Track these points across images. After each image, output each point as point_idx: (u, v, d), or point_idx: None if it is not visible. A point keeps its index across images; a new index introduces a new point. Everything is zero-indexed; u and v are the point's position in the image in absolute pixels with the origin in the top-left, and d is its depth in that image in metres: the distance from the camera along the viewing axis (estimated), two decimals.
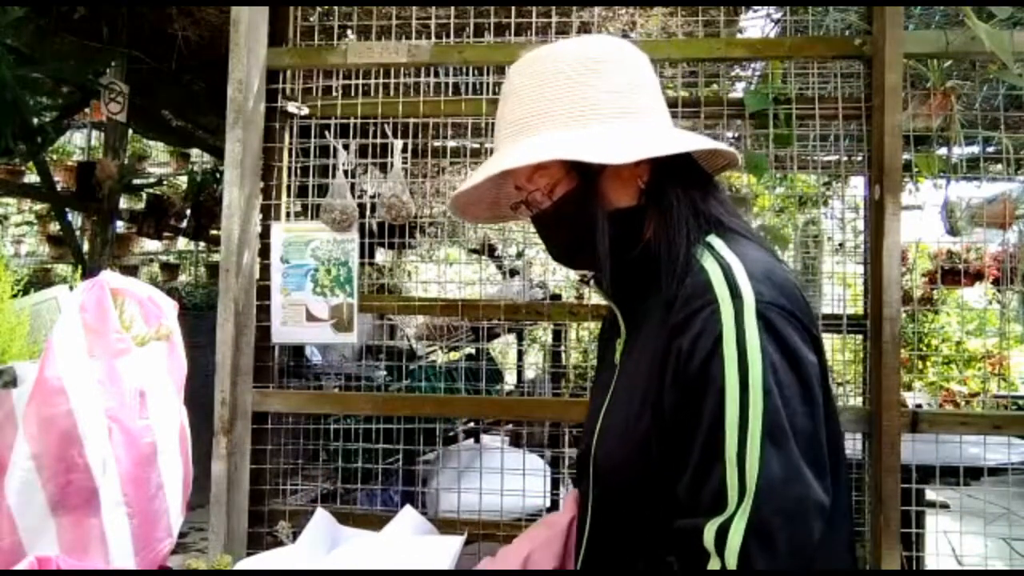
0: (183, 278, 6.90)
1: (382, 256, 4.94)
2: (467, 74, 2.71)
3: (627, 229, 0.95)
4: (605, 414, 0.97)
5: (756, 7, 3.33)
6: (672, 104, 2.17)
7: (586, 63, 0.92)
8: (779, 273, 0.86)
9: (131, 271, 5.68)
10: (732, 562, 0.75)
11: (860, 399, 2.84)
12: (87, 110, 4.60)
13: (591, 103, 0.91)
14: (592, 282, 1.05)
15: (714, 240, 0.91)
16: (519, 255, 5.71)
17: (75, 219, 5.01)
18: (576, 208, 0.94)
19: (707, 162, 1.02)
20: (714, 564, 0.76)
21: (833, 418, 0.88)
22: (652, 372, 0.87)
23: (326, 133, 2.23)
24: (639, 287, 0.96)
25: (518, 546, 1.10)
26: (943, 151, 2.30)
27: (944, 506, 2.64)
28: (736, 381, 0.77)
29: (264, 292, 2.14)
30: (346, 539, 1.10)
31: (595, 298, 2.44)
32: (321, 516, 1.09)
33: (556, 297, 4.49)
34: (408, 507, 1.12)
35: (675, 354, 0.83)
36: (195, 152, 6.33)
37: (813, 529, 0.76)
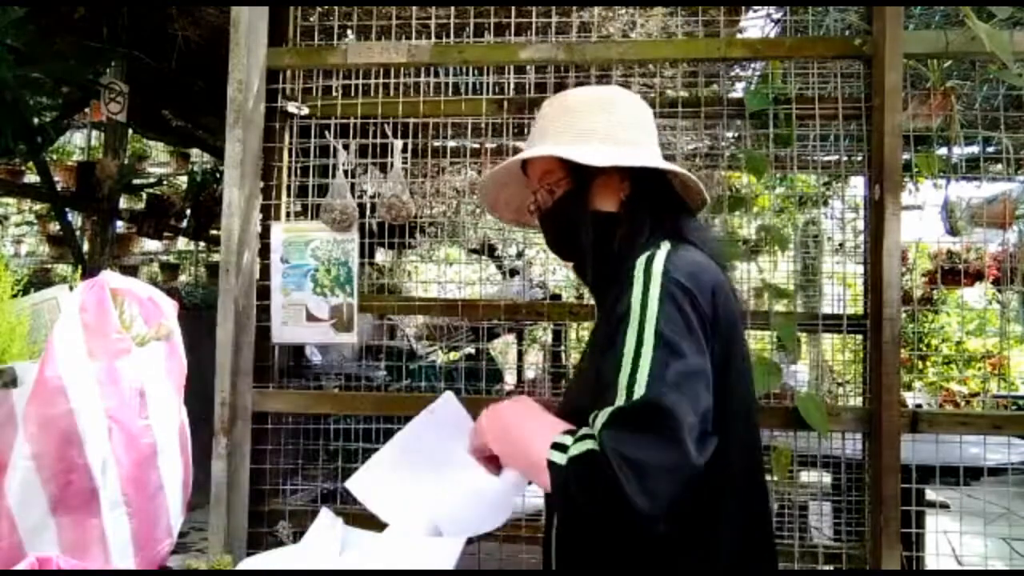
0: (183, 278, 6.90)
1: (382, 256, 4.94)
2: (467, 74, 2.71)
3: (605, 228, 1.17)
4: (572, 378, 1.20)
5: (756, 7, 3.33)
6: (672, 104, 2.19)
7: (600, 101, 1.21)
8: (701, 269, 1.07)
9: (131, 271, 5.68)
10: (598, 428, 0.96)
11: (860, 399, 2.83)
12: (87, 110, 4.60)
13: (593, 127, 1.18)
14: (575, 270, 1.31)
15: (664, 243, 1.10)
16: (519, 255, 5.71)
17: (75, 219, 5.01)
18: (569, 206, 1.19)
19: (686, 195, 1.24)
20: (592, 444, 0.96)
21: (742, 385, 1.11)
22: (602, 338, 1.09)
23: (326, 133, 2.23)
24: (608, 279, 1.14)
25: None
26: (943, 151, 2.30)
27: (944, 506, 2.64)
28: (638, 321, 1.00)
29: (264, 292, 2.14)
30: (350, 539, 1.10)
31: None
32: (325, 516, 1.09)
33: (556, 297, 4.49)
34: (449, 393, 1.17)
35: (611, 312, 1.07)
36: (195, 152, 6.33)
37: (662, 444, 0.93)
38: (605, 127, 1.18)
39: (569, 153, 1.13)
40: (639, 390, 0.94)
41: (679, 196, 1.23)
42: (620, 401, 0.95)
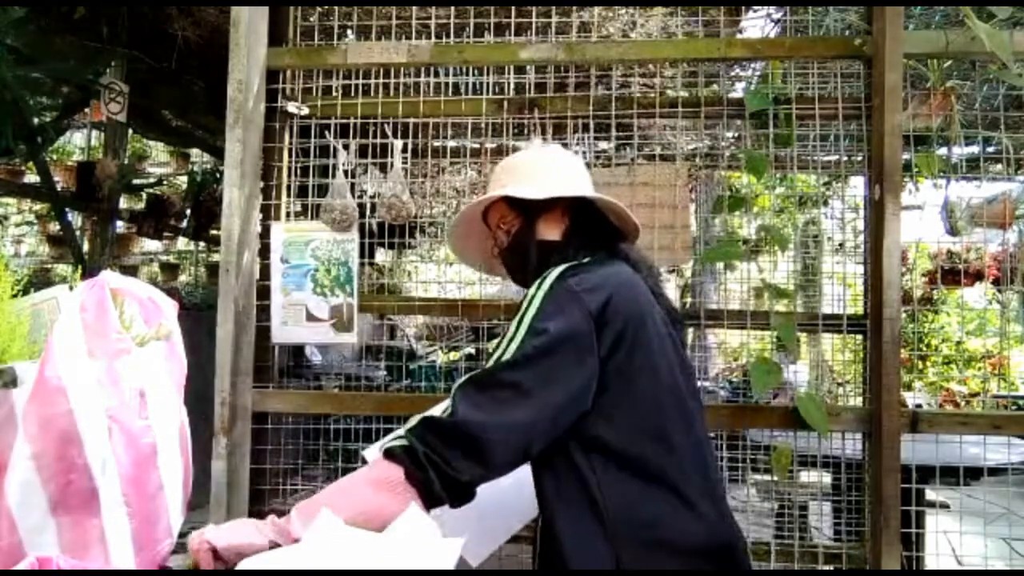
0: (183, 278, 6.90)
1: (382, 256, 4.94)
2: (467, 74, 2.71)
3: (548, 254, 1.33)
4: None
5: (756, 7, 3.33)
6: (672, 104, 2.19)
7: (541, 155, 1.47)
8: (602, 280, 1.22)
9: (131, 271, 5.68)
10: (450, 398, 1.14)
11: (860, 399, 2.84)
12: (87, 110, 4.60)
13: (532, 173, 1.40)
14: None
15: (585, 259, 1.28)
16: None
17: (75, 219, 5.00)
18: (521, 238, 1.39)
19: (622, 224, 1.42)
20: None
21: (649, 378, 1.23)
22: None
23: (326, 133, 2.23)
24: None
25: None
26: (943, 151, 2.30)
27: (944, 506, 2.64)
28: (522, 314, 1.19)
29: (264, 292, 2.14)
30: (350, 539, 1.10)
31: None
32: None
33: None
34: (413, 505, 1.13)
35: None
36: (195, 152, 6.33)
37: (507, 396, 1.12)
38: (544, 171, 1.40)
39: (515, 192, 1.36)
40: (505, 358, 1.14)
41: (614, 225, 1.43)
42: (484, 368, 1.16)
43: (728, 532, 1.25)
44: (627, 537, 1.16)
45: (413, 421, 1.14)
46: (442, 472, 1.09)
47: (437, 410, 1.16)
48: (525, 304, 1.21)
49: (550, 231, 1.38)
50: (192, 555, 1.08)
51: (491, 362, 1.17)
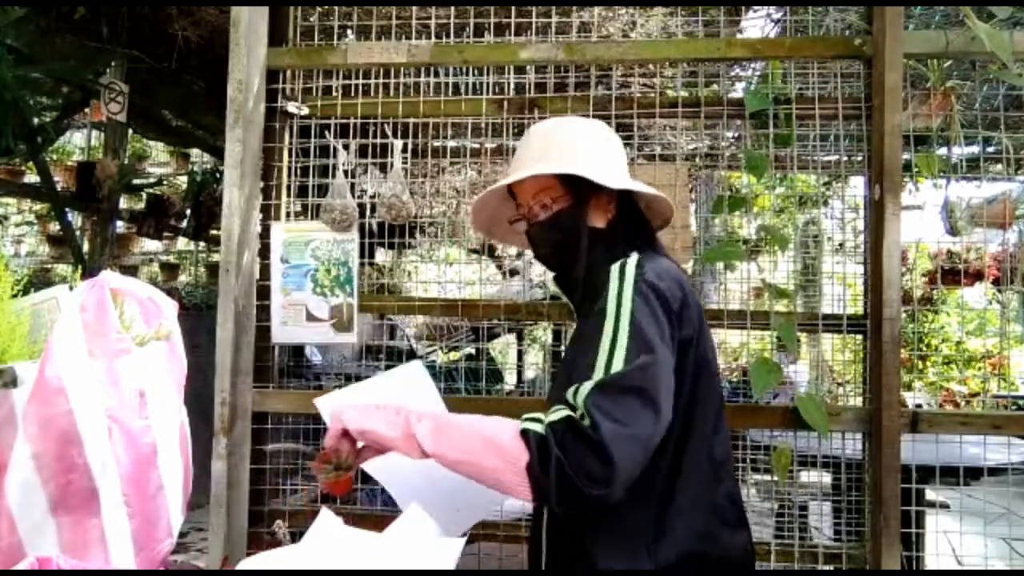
0: (183, 278, 6.90)
1: (382, 256, 4.94)
2: (467, 74, 2.71)
3: (593, 242, 1.30)
4: (556, 374, 1.28)
5: (756, 7, 3.33)
6: (672, 104, 2.19)
7: (593, 130, 1.37)
8: (669, 272, 1.23)
9: (131, 271, 5.69)
10: (580, 405, 1.09)
11: (860, 399, 2.83)
12: (87, 110, 4.60)
13: (591, 151, 1.32)
14: (554, 280, 1.43)
15: (633, 254, 1.25)
16: (519, 255, 5.71)
17: (75, 219, 5.01)
18: (567, 221, 1.31)
19: (649, 215, 1.40)
20: (568, 411, 1.10)
21: (712, 371, 1.26)
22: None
23: (326, 133, 2.23)
24: (590, 286, 1.28)
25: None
26: (943, 151, 2.30)
27: (944, 506, 2.64)
28: (614, 316, 1.15)
29: (264, 292, 2.14)
30: (350, 539, 1.10)
31: None
32: (325, 516, 1.09)
33: (556, 297, 4.48)
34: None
35: (591, 312, 1.22)
36: (195, 152, 6.33)
37: (637, 407, 1.09)
38: (603, 153, 1.33)
39: (591, 174, 1.26)
40: (616, 368, 1.09)
41: (643, 215, 1.42)
42: (599, 377, 1.10)
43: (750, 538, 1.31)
44: (676, 549, 1.17)
45: (557, 416, 1.09)
46: (568, 486, 1.04)
47: (556, 414, 1.11)
48: (612, 302, 1.16)
49: (596, 218, 1.33)
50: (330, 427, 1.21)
51: (600, 368, 1.11)
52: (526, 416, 1.12)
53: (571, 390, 1.11)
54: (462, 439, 1.12)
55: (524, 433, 1.09)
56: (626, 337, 1.12)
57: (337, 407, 1.23)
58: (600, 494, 1.04)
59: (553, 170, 1.28)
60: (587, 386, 1.09)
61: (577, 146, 1.32)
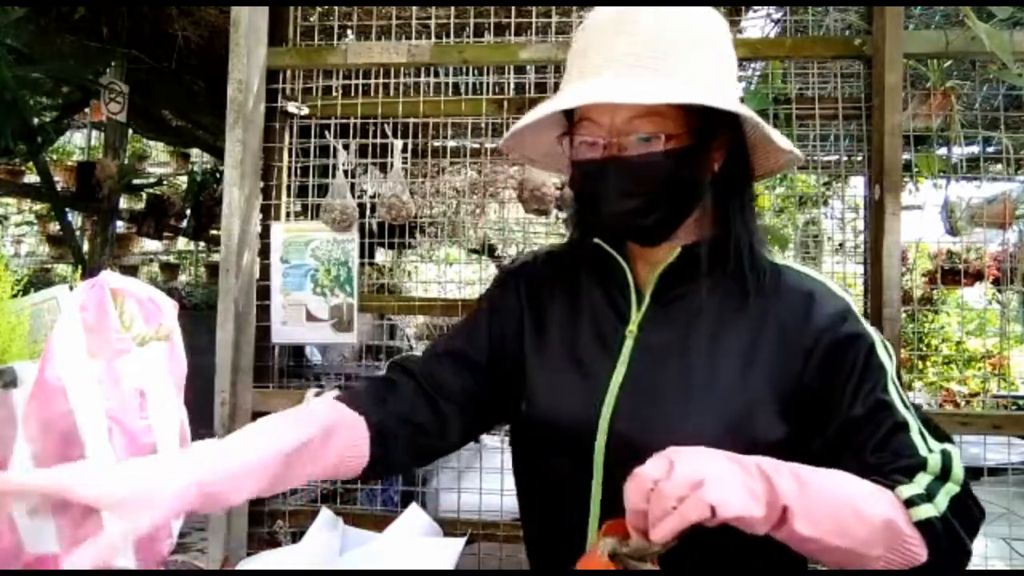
0: (183, 278, 6.91)
1: (382, 256, 4.94)
2: (467, 74, 2.71)
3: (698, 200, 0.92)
4: (661, 390, 0.90)
5: (756, 7, 3.33)
6: None
7: (727, 38, 0.92)
8: None
9: (131, 271, 5.69)
10: (954, 477, 0.80)
11: None
12: (87, 110, 4.60)
13: (728, 74, 0.91)
14: (601, 239, 0.98)
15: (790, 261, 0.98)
16: (519, 255, 5.71)
17: (75, 219, 5.01)
18: (682, 167, 0.88)
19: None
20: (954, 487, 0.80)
21: None
22: (761, 357, 0.89)
23: (326, 133, 2.23)
24: (685, 266, 0.93)
25: None
26: (943, 151, 2.30)
27: None
28: (885, 368, 0.87)
29: (264, 292, 2.14)
30: (350, 540, 1.10)
31: None
32: (325, 516, 1.09)
33: None
34: (413, 505, 1.12)
35: (825, 348, 0.88)
36: (195, 152, 6.33)
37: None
38: (731, 73, 0.92)
39: (739, 105, 0.85)
40: (933, 442, 0.83)
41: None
42: (929, 450, 0.82)
43: None
44: None
45: (945, 498, 0.78)
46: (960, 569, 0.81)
47: (943, 494, 0.79)
48: (876, 344, 0.88)
49: (706, 169, 0.91)
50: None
51: (902, 407, 0.85)
52: (896, 478, 0.79)
53: (915, 460, 0.81)
54: (829, 510, 0.73)
55: (924, 524, 0.76)
56: (903, 400, 0.86)
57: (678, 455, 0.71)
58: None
59: (690, 99, 0.82)
60: (936, 459, 0.81)
61: (710, 59, 0.88)
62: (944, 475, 0.80)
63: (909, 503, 0.77)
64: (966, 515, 0.79)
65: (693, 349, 0.91)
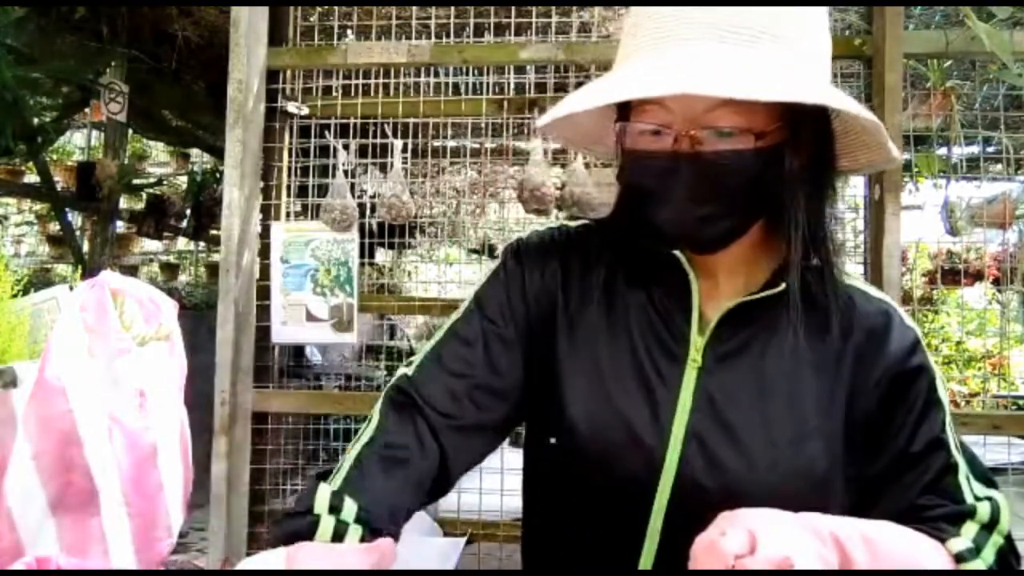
0: (183, 278, 6.90)
1: (382, 256, 4.94)
2: (467, 74, 2.71)
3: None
4: (736, 431, 0.80)
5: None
6: None
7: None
8: None
9: (131, 271, 5.68)
10: (1001, 529, 0.78)
11: None
12: (87, 110, 4.60)
13: (828, 54, 0.77)
14: (650, 243, 0.82)
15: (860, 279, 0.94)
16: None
17: (75, 219, 5.01)
18: (769, 169, 0.74)
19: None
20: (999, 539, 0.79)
21: None
22: (838, 395, 0.82)
23: (326, 133, 2.23)
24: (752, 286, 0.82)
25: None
26: (943, 151, 2.30)
27: None
28: (945, 412, 0.82)
29: (264, 292, 2.14)
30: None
31: None
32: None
33: None
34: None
35: (891, 387, 0.83)
36: (195, 152, 6.33)
37: None
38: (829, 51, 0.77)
39: (852, 104, 0.70)
40: (980, 487, 0.81)
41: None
42: (976, 497, 0.79)
43: None
44: None
45: (991, 551, 0.77)
46: None
47: (988, 546, 0.79)
48: (939, 384, 0.84)
49: (792, 170, 0.77)
50: None
51: (962, 472, 0.81)
52: (943, 526, 0.77)
53: (965, 508, 0.79)
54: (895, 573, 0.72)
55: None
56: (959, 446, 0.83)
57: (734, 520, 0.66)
58: None
59: (805, 98, 0.67)
60: (985, 510, 0.78)
61: (819, 39, 0.75)
62: (991, 525, 0.78)
63: (959, 558, 0.75)
64: (1009, 568, 0.79)
65: (771, 387, 0.81)
